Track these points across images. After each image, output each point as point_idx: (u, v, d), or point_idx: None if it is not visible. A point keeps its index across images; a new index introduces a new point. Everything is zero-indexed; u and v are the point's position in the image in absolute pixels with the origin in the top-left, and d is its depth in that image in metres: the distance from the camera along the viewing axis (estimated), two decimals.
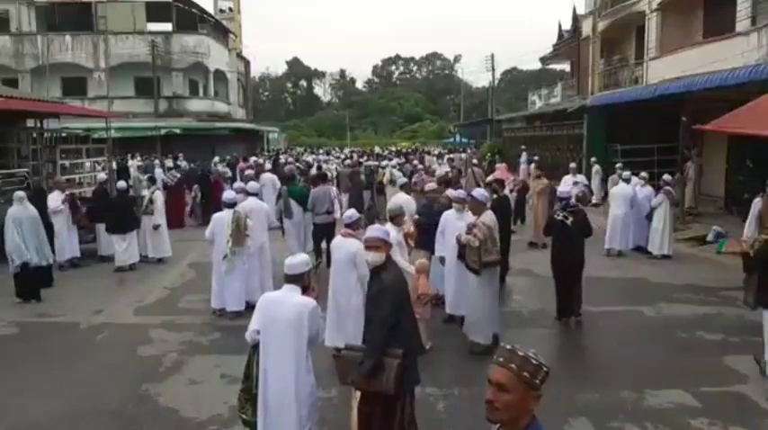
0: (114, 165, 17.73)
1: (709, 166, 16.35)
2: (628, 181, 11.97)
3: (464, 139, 46.24)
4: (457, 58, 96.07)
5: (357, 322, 5.20)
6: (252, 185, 9.64)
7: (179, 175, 16.73)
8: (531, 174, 15.22)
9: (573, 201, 8.01)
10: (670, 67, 17.59)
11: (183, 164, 22.53)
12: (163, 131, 28.32)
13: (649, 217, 11.45)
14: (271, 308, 4.07)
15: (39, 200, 10.02)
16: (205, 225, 9.31)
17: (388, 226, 6.39)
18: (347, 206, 10.71)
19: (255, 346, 4.14)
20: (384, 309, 4.10)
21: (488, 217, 6.58)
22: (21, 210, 8.83)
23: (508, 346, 2.07)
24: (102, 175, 13.42)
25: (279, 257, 8.14)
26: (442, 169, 15.37)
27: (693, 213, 14.94)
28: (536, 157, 20.53)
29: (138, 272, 10.77)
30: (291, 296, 4.04)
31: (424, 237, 7.60)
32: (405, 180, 10.88)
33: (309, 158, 28.71)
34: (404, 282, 4.48)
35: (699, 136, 15.60)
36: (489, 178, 12.23)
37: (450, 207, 7.60)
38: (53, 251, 9.73)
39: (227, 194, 8.43)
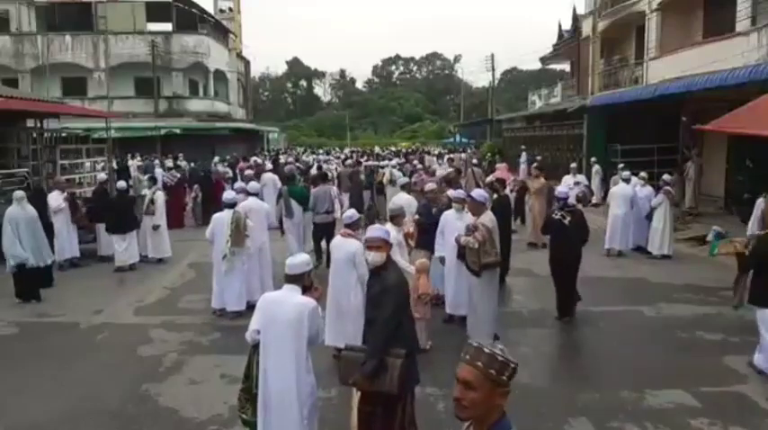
0: (114, 165, 17.74)
1: (709, 166, 16.35)
2: (628, 181, 11.98)
3: (464, 139, 46.29)
4: (457, 58, 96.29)
5: (357, 322, 5.21)
6: (252, 185, 9.66)
7: (179, 175, 16.74)
8: (531, 174, 15.22)
9: (571, 201, 8.04)
10: (670, 67, 17.58)
11: (183, 164, 22.53)
12: (163, 131, 28.34)
13: (649, 217, 11.45)
14: (271, 308, 4.07)
15: (38, 200, 10.01)
16: (205, 225, 9.32)
17: (388, 226, 6.40)
18: (348, 206, 10.72)
19: (256, 346, 4.14)
20: (387, 309, 4.11)
21: (488, 218, 6.58)
22: (18, 210, 8.80)
23: (475, 344, 2.06)
24: (102, 175, 13.41)
25: (279, 257, 8.18)
26: (442, 169, 15.37)
27: (693, 213, 14.94)
28: (538, 157, 20.53)
29: (138, 272, 10.77)
30: (292, 296, 4.04)
31: (424, 237, 7.62)
32: (406, 180, 10.88)
33: (309, 158, 28.74)
34: (405, 283, 4.48)
35: (699, 136, 15.61)
36: (490, 178, 12.24)
37: (450, 207, 7.61)
38: (53, 251, 9.73)
39: (228, 194, 8.43)
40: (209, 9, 38.39)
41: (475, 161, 19.40)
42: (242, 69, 43.70)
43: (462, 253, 6.65)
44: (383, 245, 4.34)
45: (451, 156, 26.21)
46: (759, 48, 13.70)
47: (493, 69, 45.68)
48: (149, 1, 32.29)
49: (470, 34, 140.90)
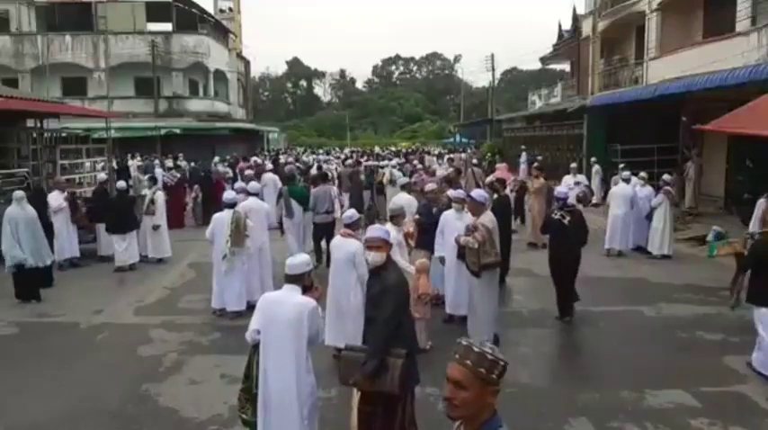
0: (114, 165, 17.74)
1: (709, 166, 16.35)
2: (628, 181, 11.98)
3: (464, 139, 46.30)
4: (457, 58, 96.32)
5: (357, 322, 5.21)
6: (252, 185, 9.67)
7: (179, 175, 16.74)
8: (531, 174, 15.23)
9: (571, 201, 8.04)
10: (670, 67, 17.58)
11: (184, 164, 22.54)
12: (163, 131, 28.34)
13: (649, 217, 11.45)
14: (271, 308, 4.07)
15: (38, 200, 10.01)
16: (205, 225, 9.32)
17: (388, 226, 6.40)
18: (348, 206, 10.72)
19: (256, 346, 4.14)
20: (387, 309, 4.11)
21: (488, 218, 6.57)
22: (18, 210, 8.79)
23: (464, 342, 2.05)
24: (102, 175, 13.41)
25: (279, 257, 8.18)
26: (442, 169, 15.37)
27: (693, 213, 14.94)
28: (538, 157, 20.51)
29: (138, 272, 10.77)
30: (292, 296, 4.04)
31: (424, 236, 7.62)
32: (406, 180, 10.88)
33: (309, 158, 28.73)
34: (405, 283, 4.48)
35: (699, 136, 15.60)
36: (490, 178, 12.24)
37: (450, 207, 7.61)
38: (53, 251, 9.73)
39: (228, 194, 8.43)
40: (210, 9, 38.45)
41: (475, 161, 19.40)
42: (242, 69, 43.71)
43: (462, 253, 6.64)
44: (383, 245, 4.34)
45: (451, 156, 26.22)
46: (759, 48, 13.70)
47: (493, 69, 45.75)
48: (149, 1, 32.30)
49: (470, 34, 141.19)
